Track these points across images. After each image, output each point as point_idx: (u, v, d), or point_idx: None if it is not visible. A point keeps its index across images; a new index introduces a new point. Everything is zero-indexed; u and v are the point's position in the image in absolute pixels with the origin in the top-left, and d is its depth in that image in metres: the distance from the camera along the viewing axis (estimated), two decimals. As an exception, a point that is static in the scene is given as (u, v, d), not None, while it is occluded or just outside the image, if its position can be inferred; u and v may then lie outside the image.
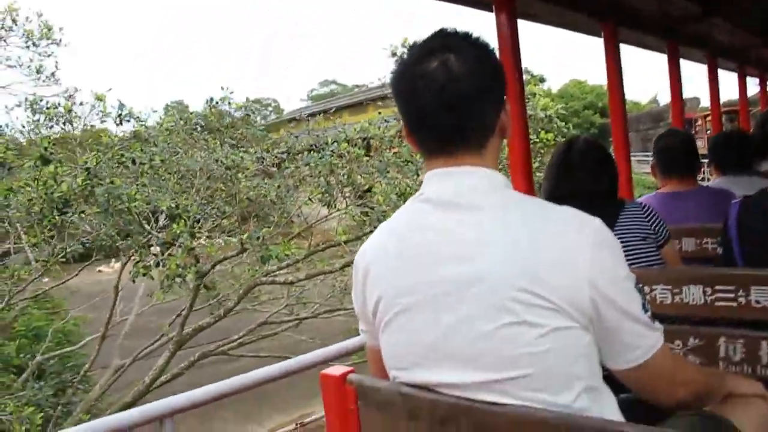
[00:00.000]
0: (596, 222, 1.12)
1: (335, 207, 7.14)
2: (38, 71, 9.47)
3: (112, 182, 7.32)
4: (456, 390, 1.09)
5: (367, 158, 7.05)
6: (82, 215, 7.41)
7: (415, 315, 1.13)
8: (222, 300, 8.19)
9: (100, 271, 10.31)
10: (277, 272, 7.59)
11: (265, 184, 7.19)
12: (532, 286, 1.04)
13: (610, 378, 1.15)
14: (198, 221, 7.31)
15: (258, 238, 6.88)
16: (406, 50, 1.20)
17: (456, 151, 1.16)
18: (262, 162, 7.38)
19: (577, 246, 1.08)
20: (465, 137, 1.16)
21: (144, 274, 7.06)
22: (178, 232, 7.03)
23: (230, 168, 7.32)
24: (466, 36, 1.18)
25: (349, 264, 7.25)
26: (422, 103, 1.15)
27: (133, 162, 7.49)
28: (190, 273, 7.30)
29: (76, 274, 8.95)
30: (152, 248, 7.59)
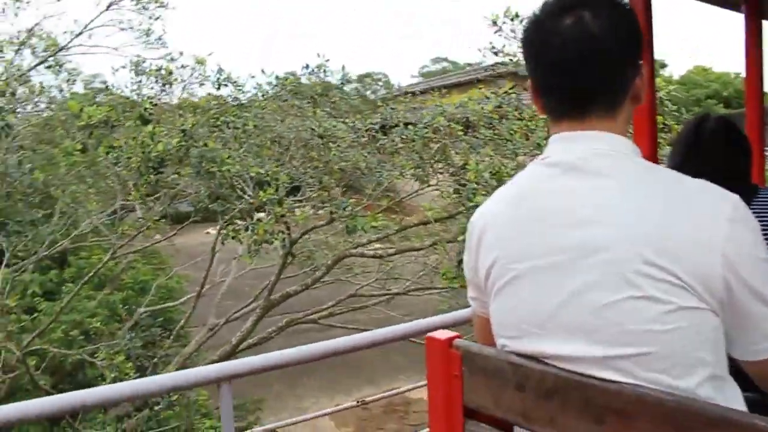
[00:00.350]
0: (735, 197, 1.05)
1: (427, 183, 7.14)
2: (147, 34, 9.90)
3: (205, 145, 7.61)
4: (567, 363, 1.06)
5: (464, 135, 6.99)
6: (177, 176, 7.75)
7: (530, 282, 1.10)
8: (314, 269, 8.33)
9: (208, 232, 10.84)
10: (367, 245, 7.69)
11: (360, 154, 7.24)
12: (660, 259, 0.99)
13: (734, 374, 1.07)
14: (289, 189, 7.45)
15: (345, 208, 6.96)
16: (538, 6, 1.15)
17: (585, 113, 1.12)
18: (356, 132, 7.43)
19: (713, 221, 1.02)
20: (596, 99, 1.12)
21: (233, 238, 7.31)
22: (265, 199, 7.23)
23: (323, 137, 7.42)
24: None
25: (438, 243, 7.26)
26: (554, 60, 1.12)
27: (228, 126, 7.73)
28: (277, 240, 7.48)
29: (174, 234, 9.48)
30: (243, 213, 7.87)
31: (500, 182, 6.54)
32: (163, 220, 8.56)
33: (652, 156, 1.95)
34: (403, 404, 11.21)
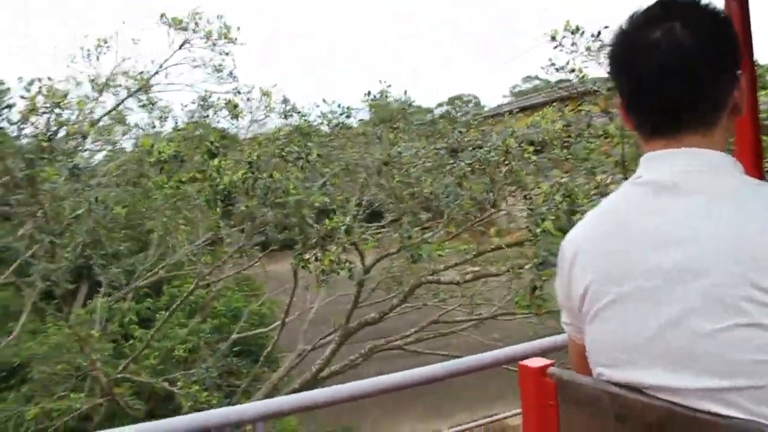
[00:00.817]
0: None
1: (496, 206, 7.08)
2: (218, 70, 10.35)
3: (271, 176, 7.79)
4: (671, 395, 1.00)
5: (536, 156, 6.92)
6: (246, 207, 7.95)
7: (625, 307, 1.07)
8: (394, 296, 8.38)
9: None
10: (444, 271, 7.68)
11: (428, 178, 7.28)
12: (767, 283, 0.94)
13: None
14: (364, 217, 7.53)
15: (409, 236, 6.96)
16: (625, 20, 1.13)
17: (678, 129, 1.09)
18: (425, 157, 7.47)
19: None
20: (689, 114, 1.09)
21: (303, 267, 7.42)
22: (330, 227, 7.33)
23: (387, 163, 7.48)
24: (694, 2, 1.10)
25: (511, 269, 7.17)
26: (643, 75, 1.09)
27: (292, 156, 7.90)
28: (343, 270, 7.55)
29: (256, 262, 9.81)
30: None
31: (572, 205, 6.43)
32: (256, 248, 8.88)
33: (756, 171, 1.85)
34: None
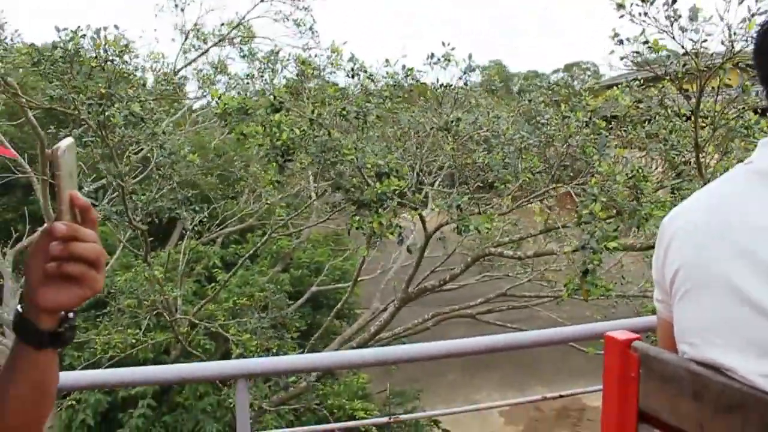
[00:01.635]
0: None
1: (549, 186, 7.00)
2: (298, 25, 10.47)
3: (329, 134, 7.85)
4: (751, 378, 1.03)
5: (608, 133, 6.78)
6: (301, 164, 8.07)
7: (714, 291, 1.08)
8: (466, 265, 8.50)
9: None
10: (509, 244, 7.70)
11: (479, 150, 7.25)
12: None
13: None
14: (414, 181, 7.57)
15: (458, 206, 6.95)
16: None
17: None
18: (477, 126, 7.43)
19: None
20: None
21: (358, 228, 7.52)
22: (380, 191, 7.38)
23: (442, 129, 7.47)
24: None
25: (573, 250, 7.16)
26: None
27: (351, 115, 7.93)
28: (393, 234, 7.63)
29: (327, 219, 10.29)
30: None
31: (635, 189, 6.29)
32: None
33: None
34: (577, 410, 11.20)
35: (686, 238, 1.17)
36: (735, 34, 5.76)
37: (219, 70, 10.40)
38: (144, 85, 9.71)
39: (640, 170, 6.47)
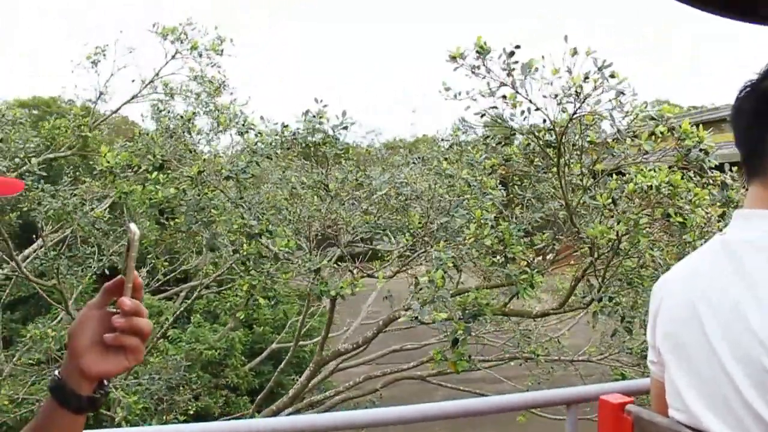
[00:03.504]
0: None
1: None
2: (210, 82, 10.29)
3: (204, 193, 7.45)
4: None
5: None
6: (174, 222, 7.70)
7: (695, 358, 1.15)
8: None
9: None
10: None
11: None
12: None
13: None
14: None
15: (317, 270, 6.39)
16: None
17: (749, 182, 1.19)
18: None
19: None
20: (750, 164, 1.18)
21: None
22: (246, 252, 6.92)
23: (311, 188, 7.01)
24: None
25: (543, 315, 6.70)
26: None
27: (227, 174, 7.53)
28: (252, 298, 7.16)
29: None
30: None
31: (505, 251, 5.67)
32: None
33: None
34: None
35: (670, 308, 1.25)
36: (578, 93, 5.21)
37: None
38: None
39: (508, 233, 5.87)
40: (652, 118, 4.99)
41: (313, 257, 6.69)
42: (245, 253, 6.93)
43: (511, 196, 7.02)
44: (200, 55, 10.03)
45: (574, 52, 5.09)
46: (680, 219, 5.04)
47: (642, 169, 5.20)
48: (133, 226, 1.02)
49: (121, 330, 0.98)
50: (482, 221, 5.91)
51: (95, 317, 1.01)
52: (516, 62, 5.16)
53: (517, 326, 9.43)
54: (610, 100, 5.22)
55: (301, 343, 10.77)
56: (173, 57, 10.22)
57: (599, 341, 9.90)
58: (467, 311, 6.05)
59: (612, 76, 5.09)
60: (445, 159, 6.33)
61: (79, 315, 1.04)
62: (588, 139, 5.17)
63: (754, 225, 1.13)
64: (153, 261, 9.14)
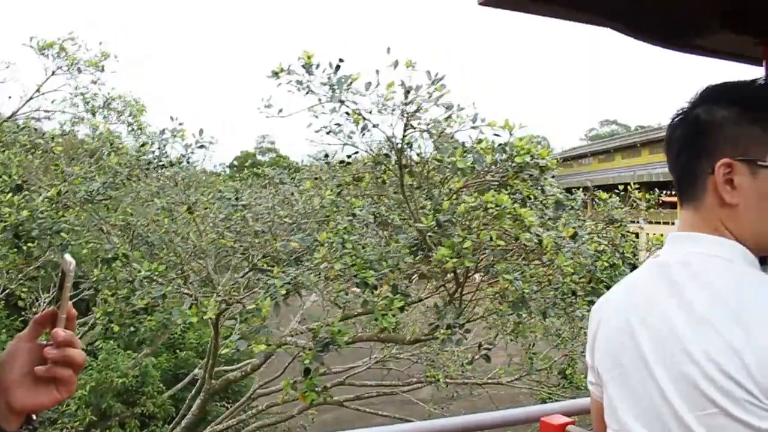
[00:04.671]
0: None
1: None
2: (86, 102, 9.83)
3: (61, 216, 7.04)
4: None
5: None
6: (27, 248, 7.23)
7: (632, 379, 1.18)
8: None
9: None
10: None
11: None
12: (745, 379, 1.02)
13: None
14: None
15: (163, 296, 6.03)
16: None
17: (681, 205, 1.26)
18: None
19: None
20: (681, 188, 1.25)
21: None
22: (98, 277, 6.52)
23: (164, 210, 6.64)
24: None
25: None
26: None
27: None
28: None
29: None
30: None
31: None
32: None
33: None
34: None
35: (606, 330, 1.28)
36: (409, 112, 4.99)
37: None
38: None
39: (359, 257, 5.60)
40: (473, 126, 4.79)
41: (176, 284, 6.30)
42: (95, 279, 6.51)
43: (383, 218, 6.77)
44: (79, 71, 9.57)
45: (396, 64, 4.89)
46: (532, 240, 4.82)
47: (473, 192, 5.01)
48: (67, 257, 0.98)
49: (54, 361, 0.95)
50: (330, 244, 5.63)
51: (24, 350, 0.98)
52: (345, 77, 4.93)
53: (420, 350, 9.24)
54: (445, 118, 5.02)
55: (225, 368, 10.36)
56: (53, 73, 9.74)
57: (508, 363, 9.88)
58: (318, 340, 5.76)
59: (439, 89, 4.90)
60: (292, 179, 6.04)
61: (7, 348, 1.00)
62: (414, 158, 4.94)
63: (687, 247, 1.18)
64: (11, 288, 8.60)
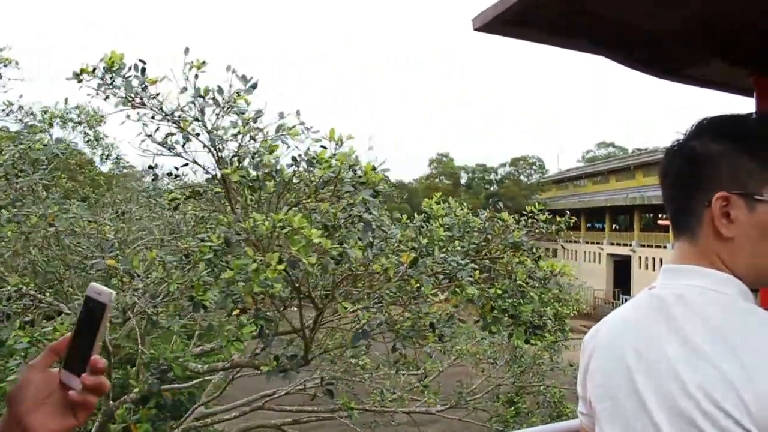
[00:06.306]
0: None
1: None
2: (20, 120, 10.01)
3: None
4: None
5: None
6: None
7: (625, 411, 1.16)
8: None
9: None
10: None
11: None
12: (742, 415, 1.01)
13: None
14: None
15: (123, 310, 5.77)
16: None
17: (676, 239, 1.24)
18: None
19: None
20: (677, 223, 1.24)
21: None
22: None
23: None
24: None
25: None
26: None
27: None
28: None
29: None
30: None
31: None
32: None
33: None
34: None
35: (599, 361, 1.26)
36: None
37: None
38: None
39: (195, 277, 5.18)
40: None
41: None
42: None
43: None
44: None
45: (201, 65, 4.47)
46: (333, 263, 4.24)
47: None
48: (103, 288, 1.00)
49: (89, 388, 0.99)
50: (164, 262, 5.21)
51: (38, 379, 1.00)
52: (140, 78, 4.53)
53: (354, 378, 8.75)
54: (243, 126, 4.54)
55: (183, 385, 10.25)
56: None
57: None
58: (153, 369, 5.37)
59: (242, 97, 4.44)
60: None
61: (21, 378, 1.02)
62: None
63: (682, 279, 1.18)
64: None
